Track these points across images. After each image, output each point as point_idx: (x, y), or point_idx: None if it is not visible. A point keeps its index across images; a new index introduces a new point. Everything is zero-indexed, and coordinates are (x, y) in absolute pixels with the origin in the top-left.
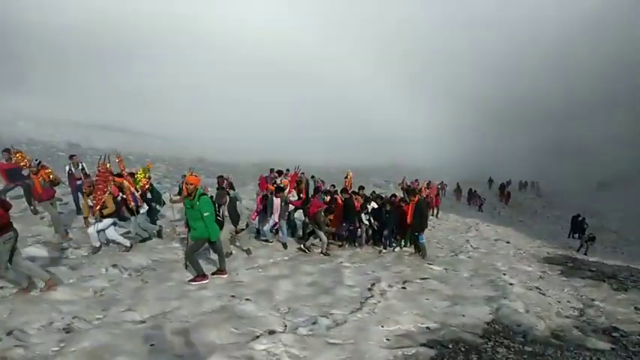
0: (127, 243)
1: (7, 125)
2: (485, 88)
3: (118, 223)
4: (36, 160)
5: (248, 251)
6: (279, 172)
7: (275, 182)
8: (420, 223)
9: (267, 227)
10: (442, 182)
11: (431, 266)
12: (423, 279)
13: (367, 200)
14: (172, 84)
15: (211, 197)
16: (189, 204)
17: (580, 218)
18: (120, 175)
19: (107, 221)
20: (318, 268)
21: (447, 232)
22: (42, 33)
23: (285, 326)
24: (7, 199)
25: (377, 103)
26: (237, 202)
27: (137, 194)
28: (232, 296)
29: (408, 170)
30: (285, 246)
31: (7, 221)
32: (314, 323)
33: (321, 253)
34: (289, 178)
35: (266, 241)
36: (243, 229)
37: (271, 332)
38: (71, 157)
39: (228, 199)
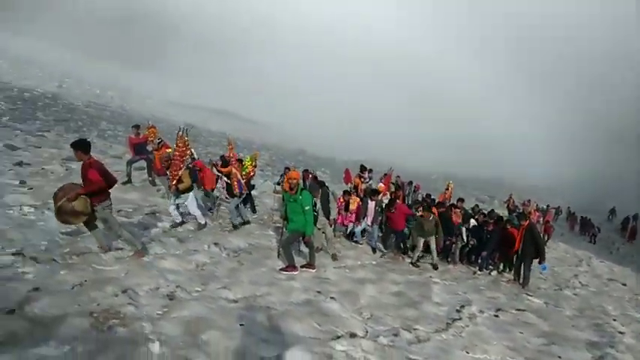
0: (203, 220)
1: (137, 102)
2: (614, 102)
3: (197, 198)
4: (159, 139)
5: (334, 257)
6: (364, 169)
7: (361, 176)
8: (536, 250)
9: (358, 229)
10: (559, 207)
11: (530, 297)
12: (519, 310)
13: (468, 216)
14: (285, 78)
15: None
16: (291, 198)
17: None
18: (227, 164)
19: (184, 196)
20: (405, 279)
21: (553, 262)
22: (183, 22)
23: (367, 332)
24: (132, 169)
25: (486, 108)
26: (330, 194)
27: (242, 182)
28: (318, 292)
29: (515, 187)
30: (374, 250)
31: (105, 188)
32: (395, 335)
33: (411, 263)
34: (383, 181)
35: (356, 242)
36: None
37: (352, 335)
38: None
39: (320, 191)
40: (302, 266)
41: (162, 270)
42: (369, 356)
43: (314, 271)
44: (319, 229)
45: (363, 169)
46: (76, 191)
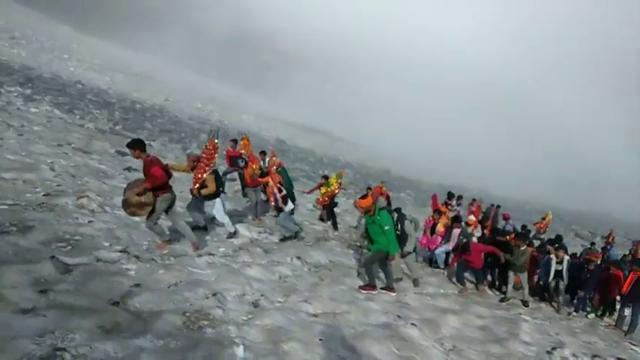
0: (232, 229)
1: (233, 116)
2: None
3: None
4: (244, 160)
5: (415, 282)
6: (451, 196)
7: (448, 203)
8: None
9: (439, 251)
10: None
11: (634, 347)
12: (620, 359)
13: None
14: (374, 97)
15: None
16: (370, 219)
17: None
18: (266, 174)
19: (211, 202)
20: (492, 313)
21: None
22: (278, 44)
23: None
24: (227, 179)
25: (591, 137)
26: (406, 222)
27: (279, 195)
28: (398, 316)
29: (620, 224)
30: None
31: (167, 182)
32: None
33: (500, 300)
34: (474, 209)
35: (437, 267)
36: (410, 252)
37: None
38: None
39: (396, 216)
40: (382, 288)
41: (248, 277)
42: None
43: (393, 294)
44: (402, 256)
45: (450, 196)
46: (143, 186)
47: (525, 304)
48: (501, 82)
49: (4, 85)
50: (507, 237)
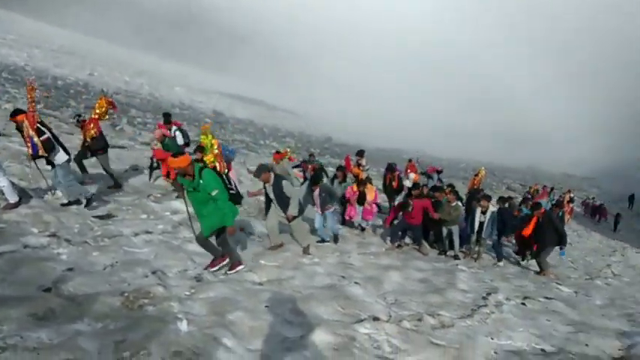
0: (13, 199)
1: (166, 88)
2: None
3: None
4: (79, 116)
5: (305, 250)
6: (361, 153)
7: (359, 164)
8: (552, 238)
9: (317, 219)
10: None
11: (559, 287)
12: (548, 298)
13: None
14: (316, 70)
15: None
16: (190, 186)
17: None
18: (21, 112)
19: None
20: (431, 266)
21: (585, 252)
22: (222, 21)
23: (390, 316)
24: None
25: (521, 98)
26: (284, 182)
27: (37, 139)
28: (342, 277)
29: (548, 176)
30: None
31: None
32: (419, 320)
33: (439, 253)
34: (410, 170)
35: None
36: (296, 217)
37: (375, 319)
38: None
39: (272, 177)
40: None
41: (189, 253)
42: (392, 339)
43: (240, 267)
44: (288, 220)
45: (360, 153)
46: None
47: (456, 257)
48: (437, 54)
49: None
50: (443, 192)
